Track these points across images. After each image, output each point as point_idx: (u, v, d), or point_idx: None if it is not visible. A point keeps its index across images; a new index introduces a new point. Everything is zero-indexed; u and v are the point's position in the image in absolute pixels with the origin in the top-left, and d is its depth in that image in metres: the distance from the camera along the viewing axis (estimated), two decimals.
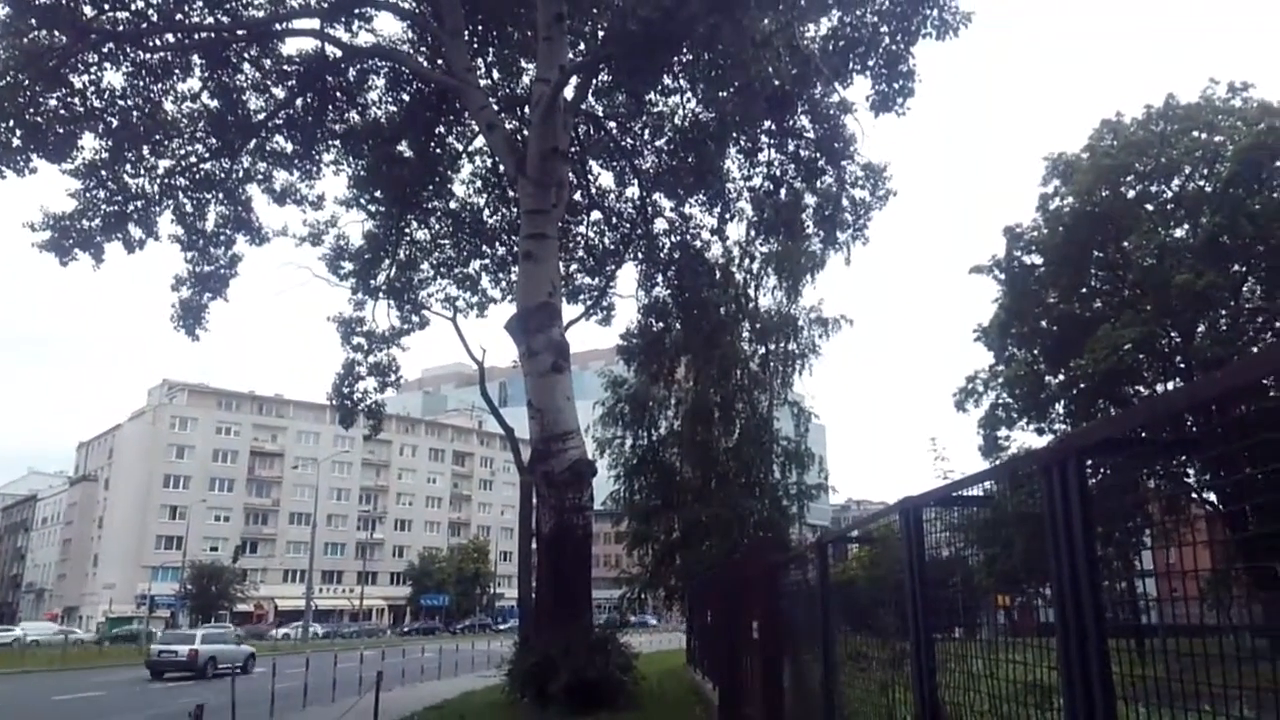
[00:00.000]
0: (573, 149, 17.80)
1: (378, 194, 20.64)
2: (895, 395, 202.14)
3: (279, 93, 18.75)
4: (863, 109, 15.23)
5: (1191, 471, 22.59)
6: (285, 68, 18.48)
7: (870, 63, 14.39)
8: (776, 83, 13.66)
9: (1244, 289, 27.58)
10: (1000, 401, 31.10)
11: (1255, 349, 27.16)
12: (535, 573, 15.28)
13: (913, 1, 13.19)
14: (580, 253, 22.45)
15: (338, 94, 19.08)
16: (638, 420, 26.58)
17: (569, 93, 15.33)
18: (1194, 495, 23.49)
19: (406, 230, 22.18)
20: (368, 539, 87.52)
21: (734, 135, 16.42)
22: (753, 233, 21.24)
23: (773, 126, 16.39)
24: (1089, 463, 2.70)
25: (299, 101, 18.78)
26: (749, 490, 24.99)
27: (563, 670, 12.43)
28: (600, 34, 16.61)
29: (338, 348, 22.72)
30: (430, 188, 21.13)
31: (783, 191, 17.67)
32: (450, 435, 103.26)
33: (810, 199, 17.79)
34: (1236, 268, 26.87)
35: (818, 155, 16.79)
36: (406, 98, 19.40)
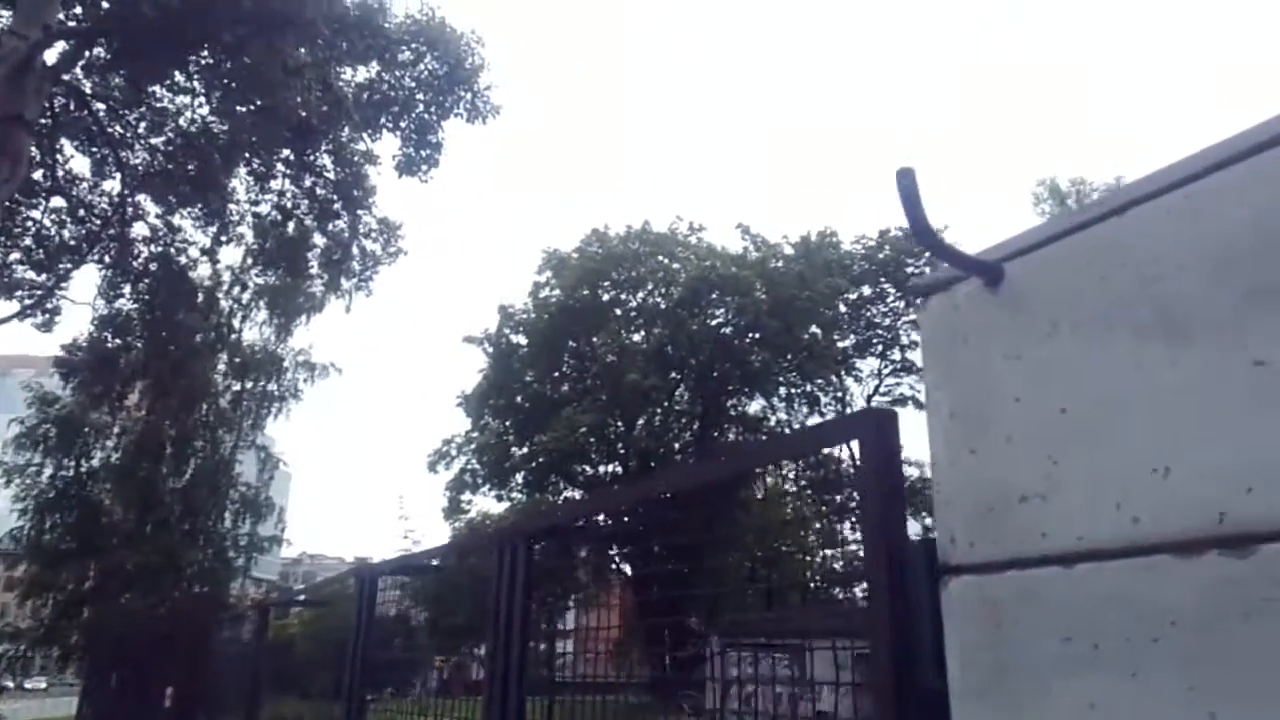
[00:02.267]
0: (42, 120, 15.01)
1: None
2: (377, 450, 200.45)
3: None
4: (389, 166, 15.33)
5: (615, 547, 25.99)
6: None
7: (402, 124, 14.64)
8: (303, 114, 13.16)
9: (676, 393, 32.99)
10: (469, 467, 32.76)
11: (677, 443, 32.53)
12: None
13: (449, 81, 13.83)
14: (28, 241, 18.76)
15: None
16: (66, 446, 22.61)
17: (50, 56, 13.00)
18: (614, 567, 27.09)
19: None
20: None
21: (247, 155, 15.35)
22: (250, 261, 19.86)
23: (291, 156, 15.68)
24: (535, 544, 3.02)
25: None
26: (192, 537, 22.66)
27: None
28: (106, 2, 14.46)
29: None
30: None
31: (291, 225, 16.88)
32: None
33: (320, 239, 17.26)
34: (674, 375, 32.08)
35: (334, 197, 16.43)
36: None
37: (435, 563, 3.90)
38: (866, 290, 32.90)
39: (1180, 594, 1.10)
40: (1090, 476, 1.23)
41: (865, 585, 1.65)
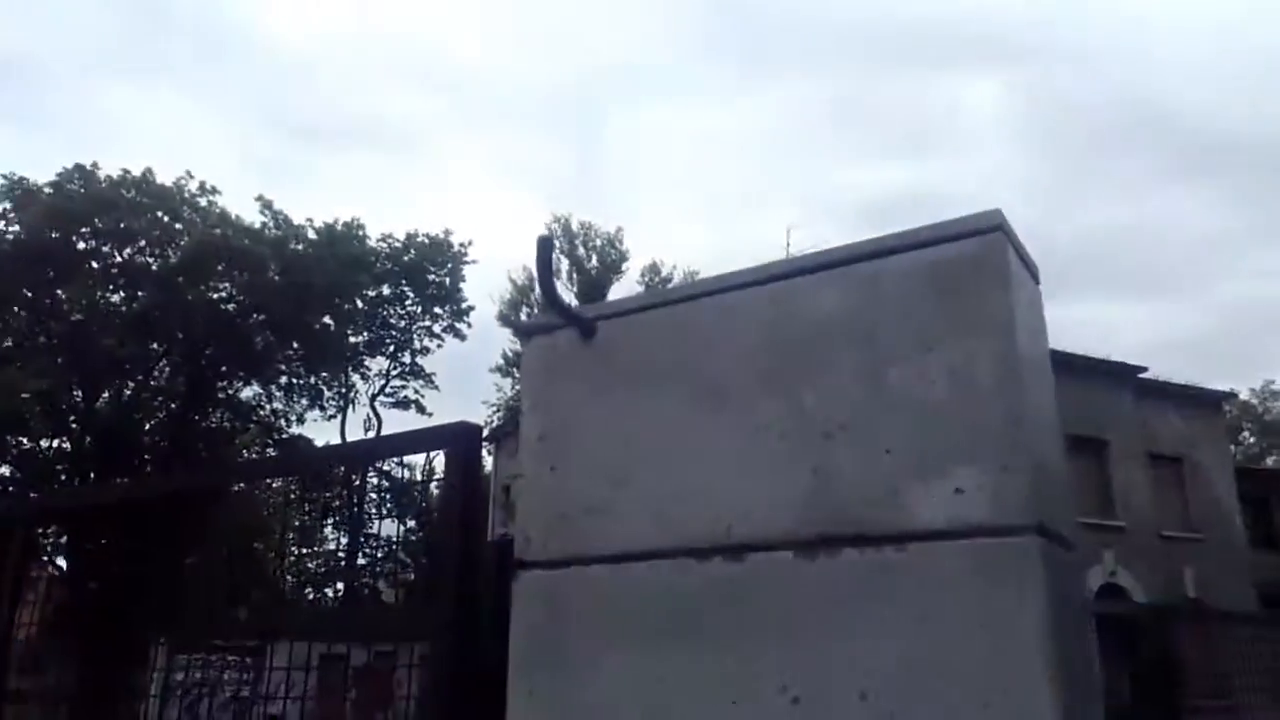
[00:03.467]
0: None
1: None
2: None
3: None
4: None
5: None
6: None
7: None
8: None
9: (156, 367, 29.42)
10: None
11: (150, 423, 29.03)
12: None
13: None
14: None
15: None
16: None
17: None
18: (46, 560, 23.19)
19: None
20: None
21: None
22: None
23: None
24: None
25: None
26: None
27: None
28: None
29: None
30: None
31: None
32: None
33: None
34: (156, 346, 28.59)
35: None
36: None
37: None
38: (386, 290, 32.85)
39: (696, 587, 1.51)
40: (643, 496, 1.61)
41: (435, 579, 1.86)
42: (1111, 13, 66.93)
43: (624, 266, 41.16)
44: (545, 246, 1.57)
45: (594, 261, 41.16)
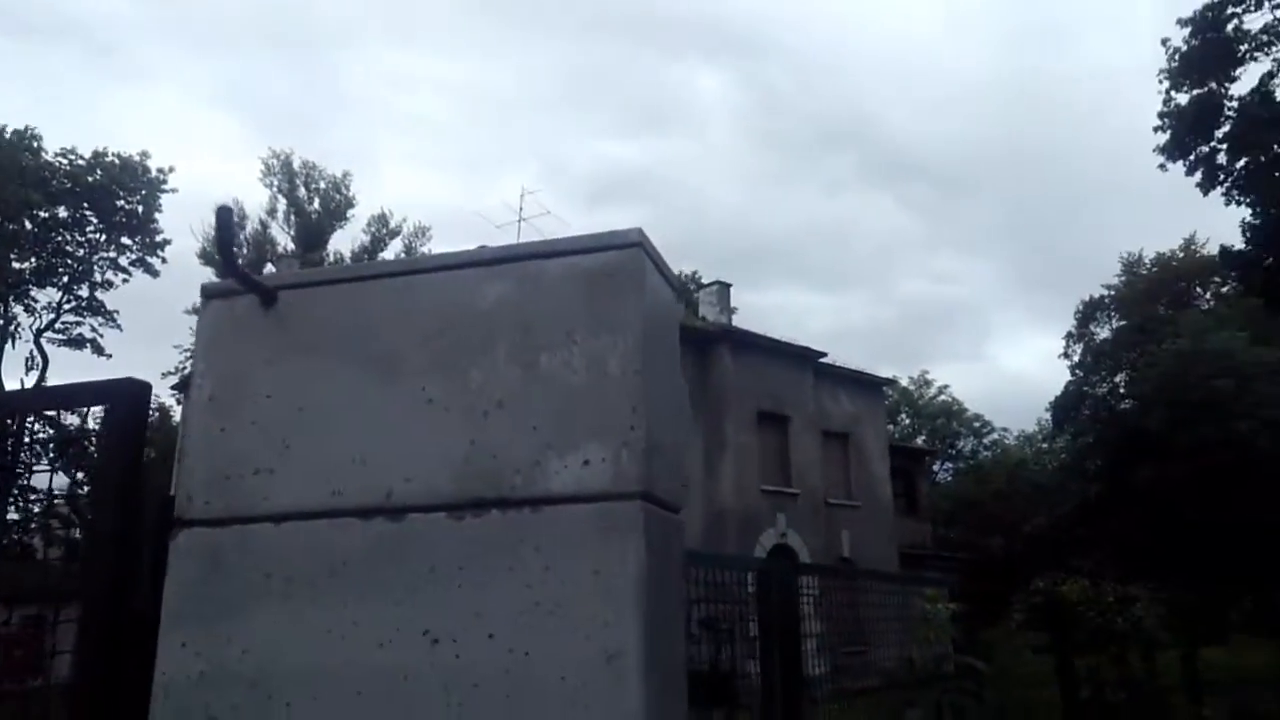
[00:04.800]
0: None
1: None
2: None
3: None
4: None
5: None
6: None
7: None
8: None
9: None
10: None
11: None
12: None
13: None
14: None
15: None
16: None
17: None
18: None
19: None
20: None
21: None
22: None
23: None
24: None
25: None
26: None
27: None
28: None
29: None
30: None
31: None
32: None
33: None
34: None
35: None
36: None
37: None
38: (63, 212, 28.89)
39: (356, 544, 1.65)
40: (312, 459, 1.71)
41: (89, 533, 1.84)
42: (827, 22, 73.49)
43: (349, 213, 39.13)
44: (225, 215, 1.62)
45: (316, 205, 38.73)
